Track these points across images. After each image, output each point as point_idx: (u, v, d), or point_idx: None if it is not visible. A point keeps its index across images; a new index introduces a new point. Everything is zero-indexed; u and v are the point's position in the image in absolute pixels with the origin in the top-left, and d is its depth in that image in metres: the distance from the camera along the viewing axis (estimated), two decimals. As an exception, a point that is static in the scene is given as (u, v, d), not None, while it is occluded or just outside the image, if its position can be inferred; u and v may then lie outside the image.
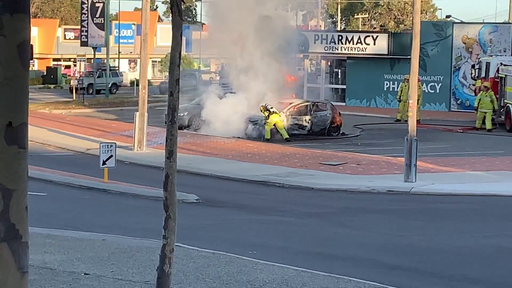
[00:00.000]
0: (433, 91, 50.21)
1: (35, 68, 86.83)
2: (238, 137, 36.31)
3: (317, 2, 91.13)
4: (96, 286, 11.32)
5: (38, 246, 13.59)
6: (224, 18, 39.81)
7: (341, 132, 38.50)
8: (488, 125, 40.08)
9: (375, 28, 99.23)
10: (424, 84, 48.99)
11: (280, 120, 36.06)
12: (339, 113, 38.90)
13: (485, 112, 40.18)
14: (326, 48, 52.94)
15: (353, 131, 40.05)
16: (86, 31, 64.23)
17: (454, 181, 25.24)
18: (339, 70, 54.85)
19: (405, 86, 41.78)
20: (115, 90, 69.95)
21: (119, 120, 43.18)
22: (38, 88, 75.09)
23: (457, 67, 50.60)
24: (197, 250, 14.13)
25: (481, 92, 40.79)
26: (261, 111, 35.89)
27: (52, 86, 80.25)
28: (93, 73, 68.43)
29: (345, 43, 52.18)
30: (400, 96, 45.25)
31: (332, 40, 52.70)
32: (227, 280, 11.81)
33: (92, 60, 69.96)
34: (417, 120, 42.47)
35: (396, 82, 50.97)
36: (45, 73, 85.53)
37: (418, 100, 42.42)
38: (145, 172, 27.83)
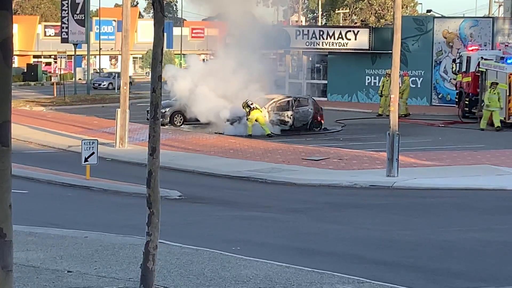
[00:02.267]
0: (414, 86, 50.30)
1: (15, 65, 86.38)
2: (220, 133, 36.29)
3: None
4: (80, 284, 11.28)
5: (20, 243, 13.54)
6: (207, 13, 39.74)
7: (323, 127, 38.51)
8: (497, 123, 37.62)
9: (356, 23, 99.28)
10: (406, 78, 49.14)
11: (262, 115, 36.04)
12: (321, 108, 38.91)
13: (493, 111, 37.84)
14: (307, 44, 52.95)
15: (335, 126, 40.10)
16: (67, 27, 63.90)
17: (436, 176, 25.31)
18: (321, 65, 54.88)
19: (387, 81, 41.81)
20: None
21: (101, 117, 43.05)
22: (18, 85, 74.65)
23: (438, 62, 50.74)
24: (180, 246, 14.10)
25: (489, 89, 38.34)
26: (243, 107, 35.88)
27: (32, 83, 79.84)
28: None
29: (327, 38, 52.22)
30: (381, 91, 45.32)
31: (314, 36, 52.72)
32: (211, 277, 11.79)
33: (72, 57, 69.56)
34: (405, 115, 42.76)
35: (377, 77, 51.08)
36: (25, 70, 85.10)
37: (403, 94, 42.56)
38: (127, 169, 27.77)
